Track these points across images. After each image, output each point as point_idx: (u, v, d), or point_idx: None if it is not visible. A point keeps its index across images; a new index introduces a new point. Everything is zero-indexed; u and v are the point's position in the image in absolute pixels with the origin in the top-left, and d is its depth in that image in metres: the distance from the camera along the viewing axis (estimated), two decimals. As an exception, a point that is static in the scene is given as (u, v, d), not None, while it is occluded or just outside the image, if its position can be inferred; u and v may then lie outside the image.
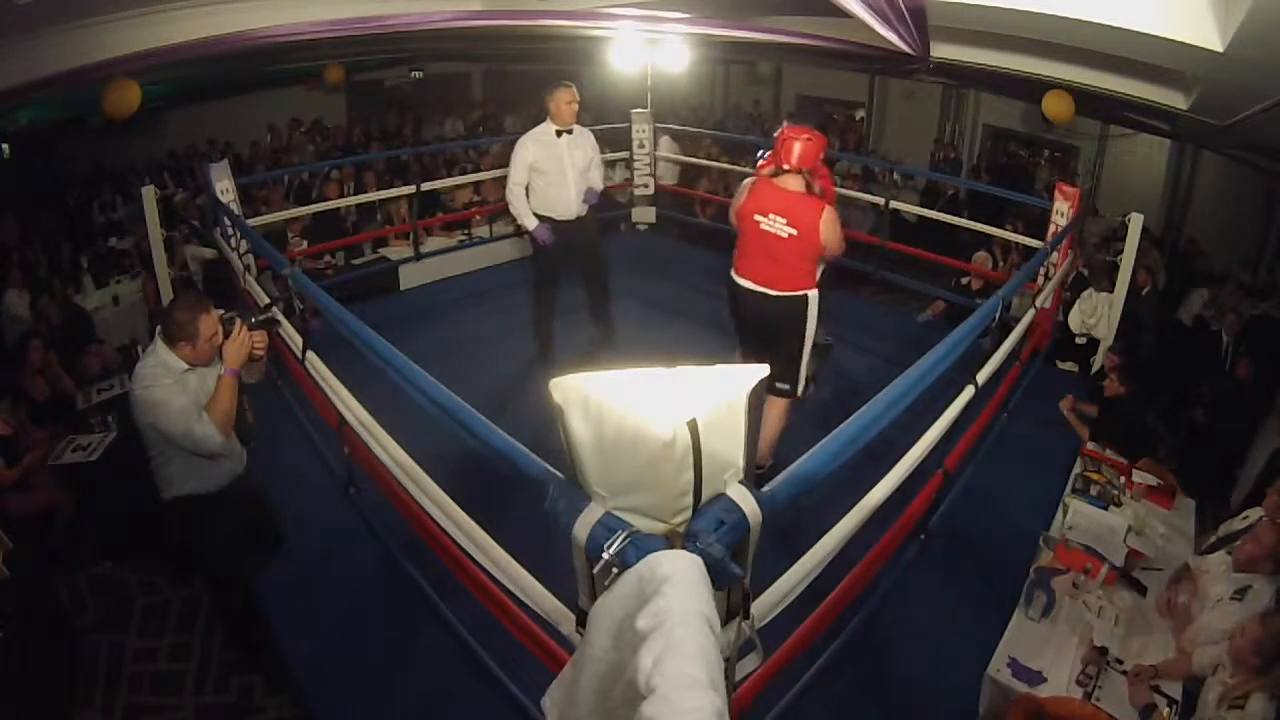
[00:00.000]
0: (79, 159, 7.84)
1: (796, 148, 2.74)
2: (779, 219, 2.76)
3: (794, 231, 2.74)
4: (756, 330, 3.03)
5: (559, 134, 3.82)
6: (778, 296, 2.86)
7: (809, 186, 2.80)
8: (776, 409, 3.03)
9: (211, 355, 2.23)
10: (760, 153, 3.62)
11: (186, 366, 2.19)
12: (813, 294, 2.86)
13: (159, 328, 2.23)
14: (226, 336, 2.23)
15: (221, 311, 2.27)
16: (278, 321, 2.53)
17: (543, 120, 3.95)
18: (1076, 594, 2.47)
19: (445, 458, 2.10)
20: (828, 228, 2.72)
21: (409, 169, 7.31)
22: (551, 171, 3.81)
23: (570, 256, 4.06)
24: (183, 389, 2.17)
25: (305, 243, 5.36)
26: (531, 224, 3.86)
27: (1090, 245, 5.91)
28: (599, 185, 4.06)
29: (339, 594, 2.61)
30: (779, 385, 2.96)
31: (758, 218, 2.80)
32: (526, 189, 3.88)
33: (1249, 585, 2.31)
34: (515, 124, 9.86)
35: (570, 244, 3.97)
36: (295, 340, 2.76)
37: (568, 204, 3.88)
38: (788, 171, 2.77)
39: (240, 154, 8.06)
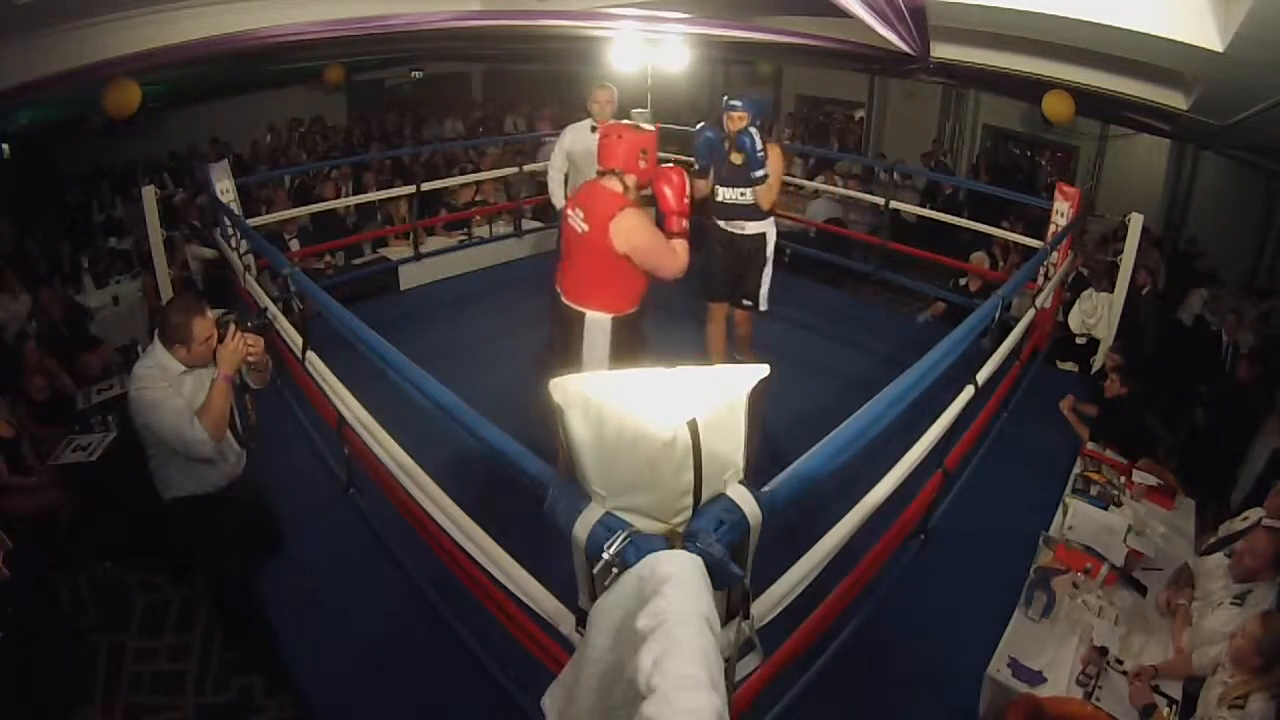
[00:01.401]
0: (79, 159, 7.83)
1: (607, 147, 2.50)
2: (578, 211, 2.54)
3: (587, 227, 2.48)
4: (551, 336, 2.73)
5: (593, 129, 4.04)
6: (566, 305, 2.59)
7: (625, 188, 2.51)
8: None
9: (208, 357, 2.21)
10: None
11: (183, 368, 2.18)
12: (595, 316, 2.52)
13: (156, 328, 2.22)
14: (221, 340, 2.22)
15: (221, 312, 2.26)
16: (269, 327, 2.51)
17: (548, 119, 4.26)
18: (1076, 594, 2.47)
19: (445, 458, 2.10)
20: (624, 231, 2.40)
21: (410, 170, 7.31)
22: (582, 163, 4.06)
23: None
24: (178, 391, 2.15)
25: (298, 243, 5.34)
26: (560, 205, 4.14)
27: (1090, 245, 5.91)
28: None
29: (339, 594, 2.61)
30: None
31: (568, 212, 2.60)
32: (567, 177, 4.20)
33: (1249, 590, 2.31)
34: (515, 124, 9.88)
35: None
36: (295, 340, 2.76)
37: None
38: (604, 173, 2.54)
39: (240, 154, 8.06)
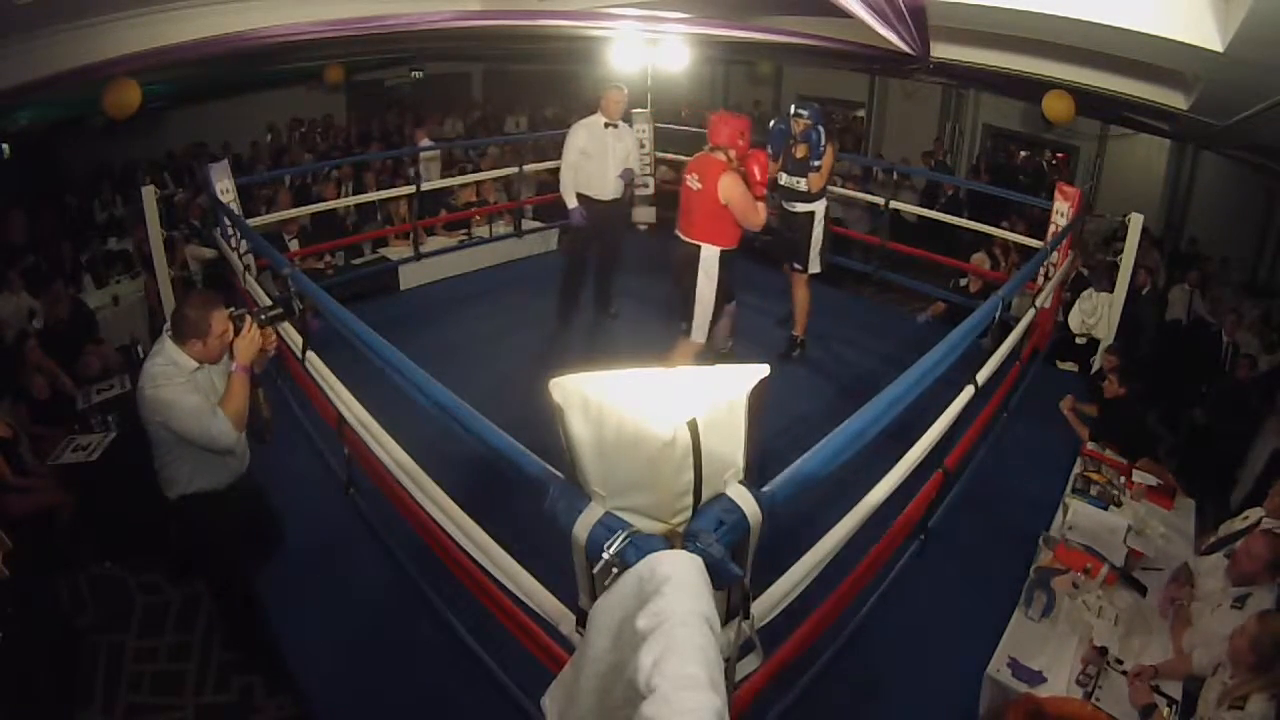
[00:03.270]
0: (79, 159, 7.83)
1: (715, 129, 3.42)
2: (694, 175, 3.44)
3: (700, 185, 3.39)
4: (675, 273, 3.66)
5: (606, 126, 4.37)
6: (685, 242, 3.54)
7: (728, 159, 3.38)
8: (680, 351, 3.67)
9: (222, 352, 2.23)
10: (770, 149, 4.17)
11: (197, 365, 2.19)
12: (708, 248, 3.46)
13: (168, 326, 2.22)
14: (237, 333, 2.23)
15: (230, 309, 2.27)
16: (283, 317, 2.52)
17: (566, 117, 4.57)
18: (1076, 594, 2.47)
19: (445, 458, 2.10)
20: (726, 186, 3.30)
21: (411, 169, 7.30)
22: (597, 156, 4.37)
23: (600, 233, 4.53)
24: (194, 387, 2.17)
25: (297, 244, 5.34)
26: (572, 204, 4.42)
27: (1090, 245, 5.91)
28: (636, 167, 4.64)
29: (339, 594, 2.61)
30: (683, 325, 3.63)
31: (685, 177, 3.53)
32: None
33: (1249, 593, 2.30)
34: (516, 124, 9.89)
35: (602, 222, 4.49)
36: (295, 340, 2.76)
37: (606, 185, 4.42)
38: (713, 148, 3.42)
39: (240, 154, 8.05)
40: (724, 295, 3.59)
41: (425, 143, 7.03)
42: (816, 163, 3.96)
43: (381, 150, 8.35)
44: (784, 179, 4.12)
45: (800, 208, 4.15)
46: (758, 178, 3.39)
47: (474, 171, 6.80)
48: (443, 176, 6.73)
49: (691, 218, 3.50)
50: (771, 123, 4.14)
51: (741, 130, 3.39)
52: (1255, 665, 1.96)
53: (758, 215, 3.39)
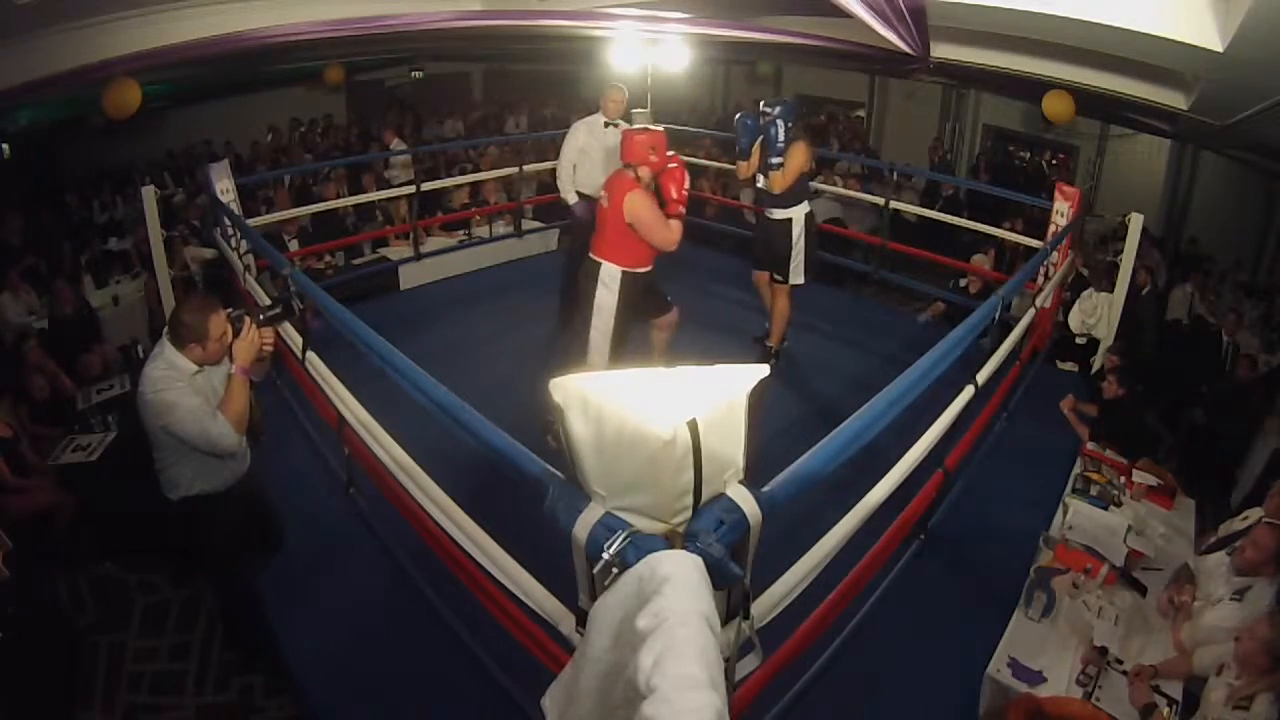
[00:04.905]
0: (79, 159, 7.83)
1: (625, 145, 3.20)
2: (605, 193, 3.25)
3: (608, 203, 3.21)
4: (583, 288, 3.40)
5: (606, 125, 4.35)
6: (590, 259, 3.32)
7: (637, 176, 3.18)
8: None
9: (221, 355, 2.23)
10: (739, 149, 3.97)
11: (196, 368, 2.18)
12: (609, 266, 3.23)
13: (166, 330, 2.22)
14: (236, 335, 2.23)
15: (229, 310, 2.27)
16: (284, 317, 2.52)
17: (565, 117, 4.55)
18: (1076, 594, 2.47)
19: (445, 458, 2.10)
20: (630, 204, 3.11)
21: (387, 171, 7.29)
22: (595, 156, 4.35)
23: None
24: (194, 390, 2.16)
25: (297, 244, 5.35)
26: (572, 199, 4.41)
27: (1090, 245, 5.91)
28: None
29: (339, 594, 2.61)
30: (577, 347, 3.36)
31: (601, 193, 3.32)
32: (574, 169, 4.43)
33: (1249, 586, 2.31)
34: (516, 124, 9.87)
35: None
36: (295, 340, 2.76)
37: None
38: (625, 165, 3.22)
39: (240, 154, 8.06)
40: (631, 318, 3.31)
41: (395, 144, 7.03)
42: (777, 160, 3.61)
43: (381, 150, 8.35)
44: (758, 180, 3.88)
45: (777, 214, 3.83)
46: (674, 195, 3.18)
47: (474, 171, 6.80)
48: (443, 176, 6.73)
49: (601, 235, 3.28)
50: (737, 116, 3.90)
51: (653, 145, 3.15)
52: (1267, 668, 1.94)
53: (668, 233, 3.14)
